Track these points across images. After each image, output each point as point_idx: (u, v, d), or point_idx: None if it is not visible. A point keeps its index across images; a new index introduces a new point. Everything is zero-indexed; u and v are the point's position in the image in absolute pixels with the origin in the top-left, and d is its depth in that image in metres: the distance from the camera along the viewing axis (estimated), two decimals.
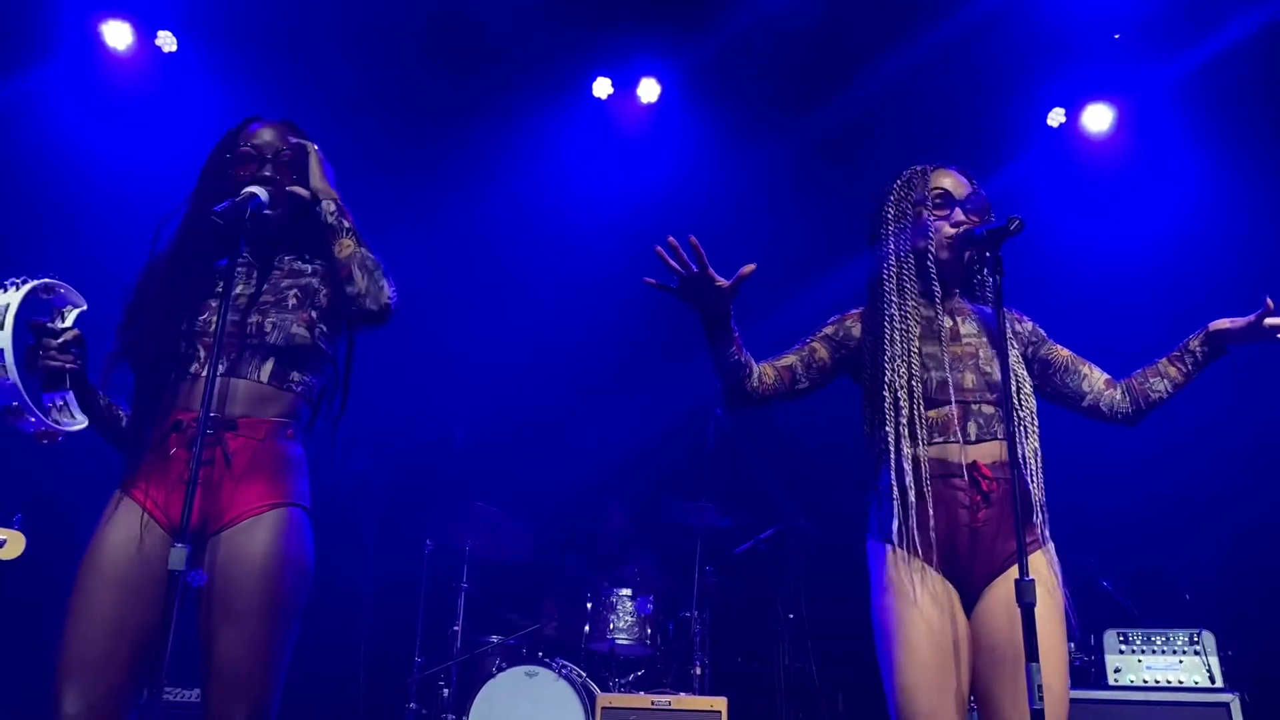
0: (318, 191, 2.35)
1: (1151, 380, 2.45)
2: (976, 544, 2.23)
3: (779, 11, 5.25)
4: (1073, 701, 2.23)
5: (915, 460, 2.27)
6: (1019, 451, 2.18)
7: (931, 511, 2.24)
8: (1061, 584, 2.25)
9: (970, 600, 2.25)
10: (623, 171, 5.98)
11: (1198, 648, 4.08)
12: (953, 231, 2.41)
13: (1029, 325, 2.54)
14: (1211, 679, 4.01)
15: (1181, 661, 4.07)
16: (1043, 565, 2.23)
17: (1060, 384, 2.50)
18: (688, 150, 5.90)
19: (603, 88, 5.74)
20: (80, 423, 2.20)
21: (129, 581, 2.06)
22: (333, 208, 2.33)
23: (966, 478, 2.25)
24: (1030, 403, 2.35)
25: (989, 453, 2.27)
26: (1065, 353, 2.52)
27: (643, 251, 6.40)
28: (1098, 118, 5.62)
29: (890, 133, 5.64)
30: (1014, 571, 2.09)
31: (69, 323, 2.19)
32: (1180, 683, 4.02)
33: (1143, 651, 4.13)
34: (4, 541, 3.36)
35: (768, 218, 5.87)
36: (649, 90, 5.73)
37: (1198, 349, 2.42)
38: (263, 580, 2.09)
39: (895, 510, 2.25)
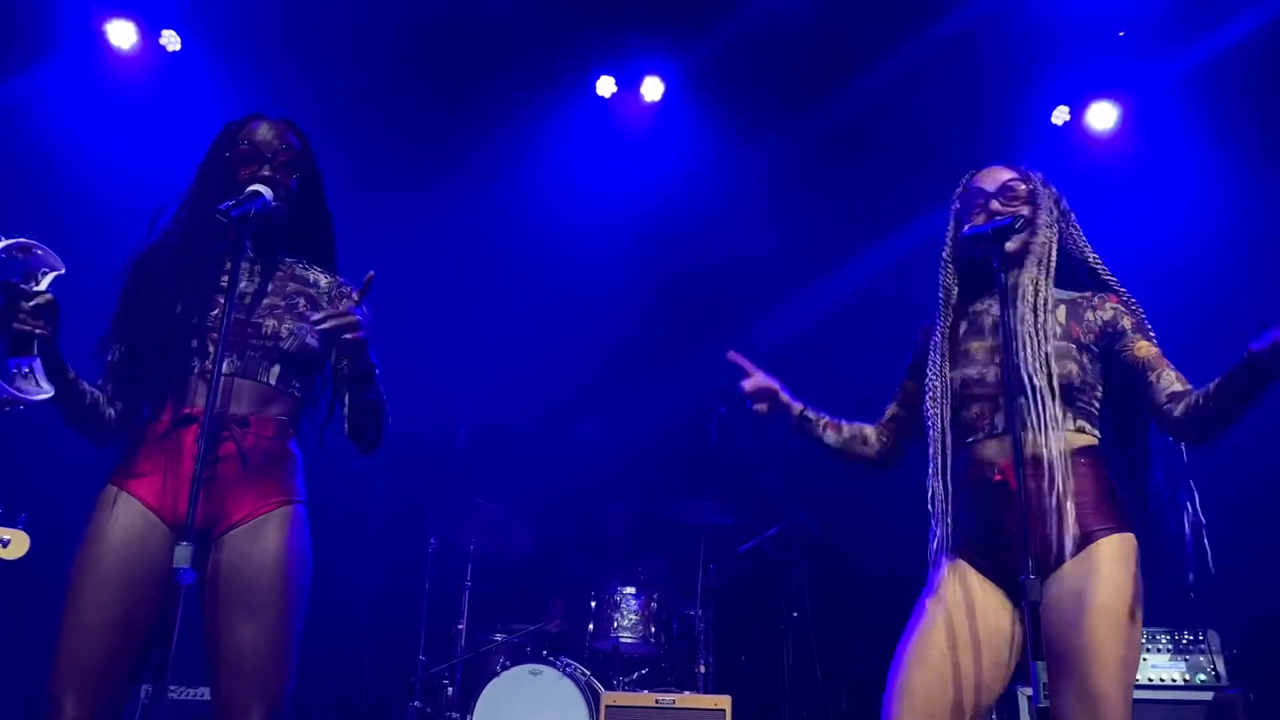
0: (371, 371, 2.32)
1: (1198, 393, 2.11)
2: (1002, 542, 2.17)
3: (782, 9, 5.24)
4: None
5: (947, 463, 2.24)
6: (1026, 450, 2.12)
7: (966, 513, 2.22)
8: (1114, 586, 2.08)
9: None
10: (626, 170, 5.97)
11: (1202, 646, 4.07)
12: (964, 232, 2.38)
13: (1107, 314, 2.26)
14: (1216, 677, 4.00)
15: (1186, 660, 4.06)
16: (1078, 564, 2.09)
17: (1132, 387, 2.21)
18: (691, 149, 5.89)
19: (606, 86, 5.71)
20: (45, 393, 2.03)
21: (130, 579, 2.04)
22: (381, 392, 2.36)
23: (993, 477, 2.20)
24: (1050, 397, 2.15)
25: (1010, 451, 2.15)
26: (1145, 352, 2.20)
27: (645, 250, 6.41)
28: (1102, 116, 5.59)
29: (894, 130, 5.63)
30: (1060, 570, 2.08)
31: (43, 287, 2.05)
32: (1185, 681, 4.01)
33: (1147, 650, 4.11)
34: (8, 541, 3.36)
35: (772, 216, 5.86)
36: (652, 89, 5.71)
37: (1239, 365, 2.01)
38: (279, 575, 2.11)
39: (937, 515, 2.24)
